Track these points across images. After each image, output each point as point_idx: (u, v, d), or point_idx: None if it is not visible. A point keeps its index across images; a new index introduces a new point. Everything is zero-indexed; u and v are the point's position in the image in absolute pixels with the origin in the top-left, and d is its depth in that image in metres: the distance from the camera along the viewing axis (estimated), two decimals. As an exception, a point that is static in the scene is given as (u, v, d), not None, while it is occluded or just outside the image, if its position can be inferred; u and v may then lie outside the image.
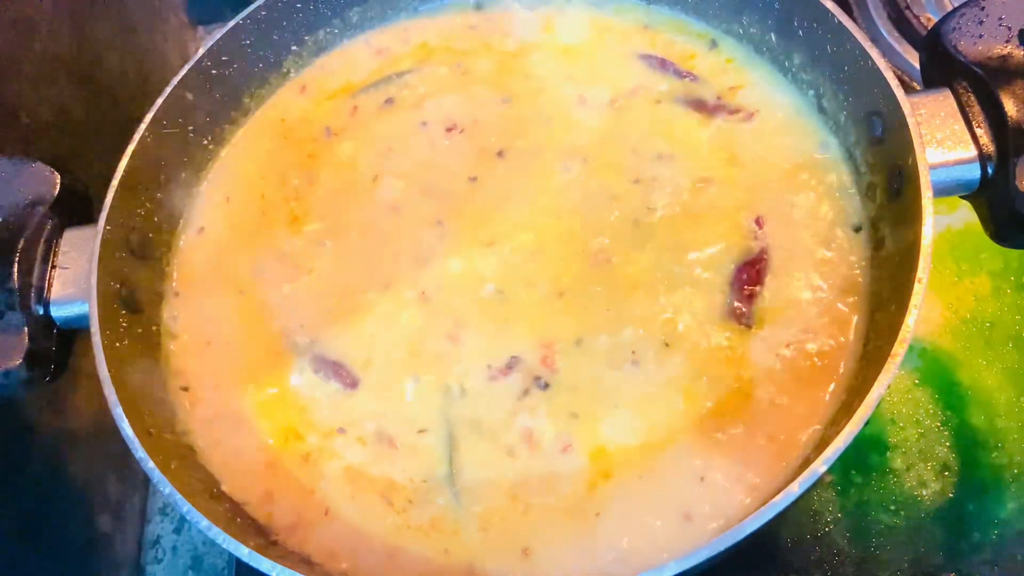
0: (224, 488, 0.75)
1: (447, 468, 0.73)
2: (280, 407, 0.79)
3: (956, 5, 0.74)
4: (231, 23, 0.90)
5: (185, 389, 0.81)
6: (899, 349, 0.61)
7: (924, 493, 0.91)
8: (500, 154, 0.86)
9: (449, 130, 0.89)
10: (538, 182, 0.83)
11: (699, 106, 0.85)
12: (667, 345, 0.74)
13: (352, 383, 0.78)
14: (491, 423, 0.73)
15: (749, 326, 0.73)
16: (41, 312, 0.78)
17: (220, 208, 0.91)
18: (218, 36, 0.90)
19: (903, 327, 0.61)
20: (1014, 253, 0.99)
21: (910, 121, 0.68)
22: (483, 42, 0.95)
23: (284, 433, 0.77)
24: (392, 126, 0.91)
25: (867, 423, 0.59)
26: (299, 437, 0.77)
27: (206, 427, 0.79)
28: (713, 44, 0.89)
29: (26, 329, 0.76)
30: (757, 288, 0.75)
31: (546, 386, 0.74)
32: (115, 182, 0.81)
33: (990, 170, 0.69)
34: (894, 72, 0.71)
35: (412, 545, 0.70)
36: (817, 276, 0.74)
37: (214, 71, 0.91)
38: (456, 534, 0.70)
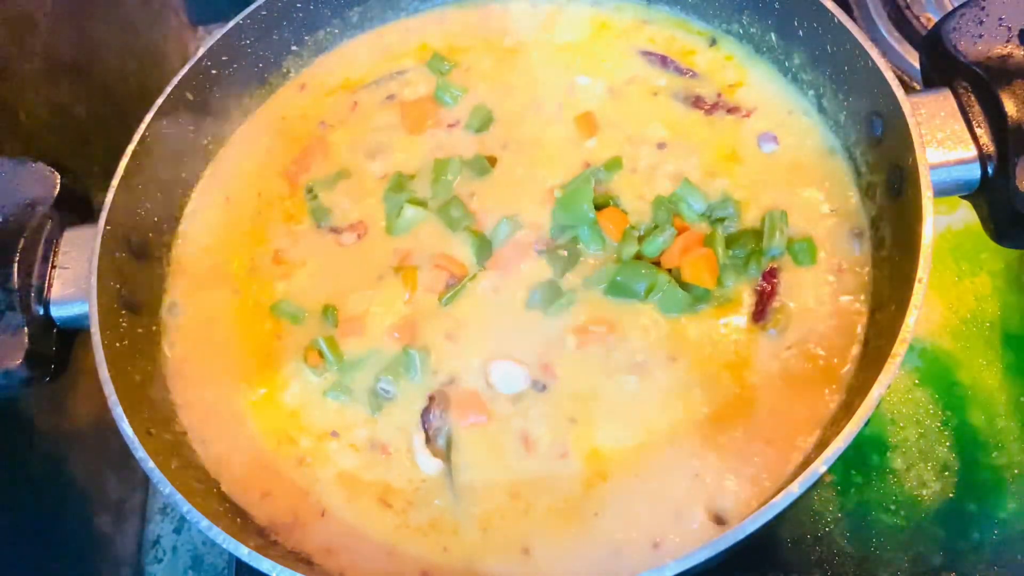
0: (223, 488, 0.75)
1: (446, 469, 0.72)
2: (272, 409, 0.78)
3: (956, 5, 0.73)
4: (231, 23, 0.91)
5: (185, 389, 0.81)
6: (899, 349, 0.61)
7: (924, 493, 0.91)
8: (504, 147, 0.86)
9: (451, 126, 0.89)
10: (539, 174, 0.83)
11: (698, 103, 0.85)
12: (672, 347, 0.74)
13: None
14: (490, 424, 0.73)
15: (764, 327, 0.73)
16: (41, 312, 0.78)
17: (218, 208, 0.91)
18: (218, 36, 0.90)
19: (903, 327, 0.61)
20: (1014, 253, 0.99)
21: (910, 121, 0.68)
22: (483, 39, 0.95)
23: (277, 435, 0.77)
24: (392, 121, 0.91)
25: (867, 423, 0.59)
26: (292, 441, 0.77)
27: (204, 427, 0.79)
28: (713, 42, 0.89)
29: (26, 329, 0.76)
30: (768, 287, 0.75)
31: (544, 388, 0.74)
32: (115, 182, 0.81)
33: (990, 170, 0.69)
34: (894, 72, 0.71)
35: (411, 544, 0.70)
36: (818, 277, 0.74)
37: (214, 71, 0.91)
38: (455, 533, 0.70)
